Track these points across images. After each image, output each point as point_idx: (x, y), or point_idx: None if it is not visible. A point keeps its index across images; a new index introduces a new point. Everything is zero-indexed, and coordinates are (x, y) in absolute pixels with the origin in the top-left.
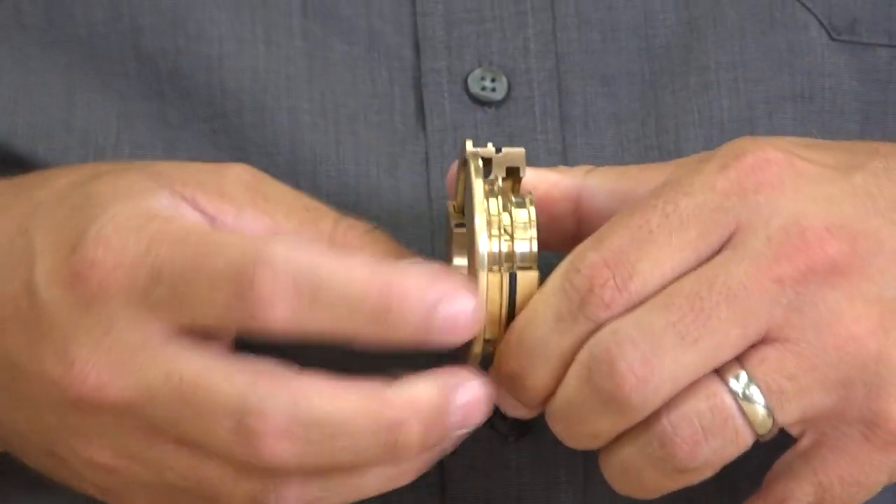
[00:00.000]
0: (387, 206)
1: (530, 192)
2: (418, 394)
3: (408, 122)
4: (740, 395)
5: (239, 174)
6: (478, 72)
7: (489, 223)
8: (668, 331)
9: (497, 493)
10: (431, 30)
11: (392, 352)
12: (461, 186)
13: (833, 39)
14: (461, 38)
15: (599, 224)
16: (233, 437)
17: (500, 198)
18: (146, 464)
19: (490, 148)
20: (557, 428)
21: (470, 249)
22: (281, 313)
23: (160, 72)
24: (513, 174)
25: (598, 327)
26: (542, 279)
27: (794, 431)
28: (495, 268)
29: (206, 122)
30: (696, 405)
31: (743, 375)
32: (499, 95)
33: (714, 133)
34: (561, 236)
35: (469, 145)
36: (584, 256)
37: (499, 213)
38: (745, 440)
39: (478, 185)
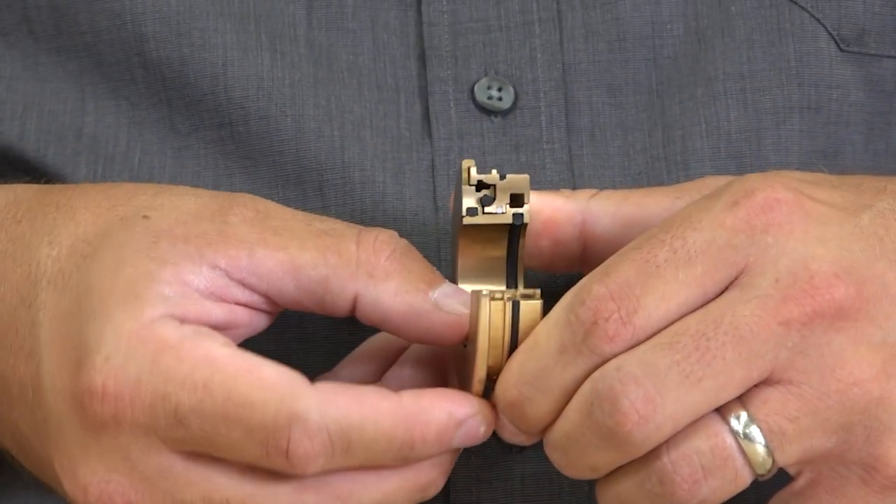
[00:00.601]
0: (392, 213)
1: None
2: (432, 410)
3: (413, 130)
4: (741, 435)
5: (241, 212)
6: (484, 81)
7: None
8: (672, 370)
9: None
10: (437, 39)
11: None
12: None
13: (842, 51)
14: (467, 47)
15: (604, 247)
16: None
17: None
18: None
19: (494, 174)
20: (555, 457)
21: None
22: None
23: (166, 80)
24: (516, 200)
25: (601, 360)
26: (546, 308)
27: (791, 471)
28: (498, 295)
29: (214, 130)
30: (697, 444)
31: (744, 415)
32: (505, 104)
33: (721, 144)
34: (565, 260)
35: (471, 172)
36: (590, 289)
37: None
38: (744, 480)
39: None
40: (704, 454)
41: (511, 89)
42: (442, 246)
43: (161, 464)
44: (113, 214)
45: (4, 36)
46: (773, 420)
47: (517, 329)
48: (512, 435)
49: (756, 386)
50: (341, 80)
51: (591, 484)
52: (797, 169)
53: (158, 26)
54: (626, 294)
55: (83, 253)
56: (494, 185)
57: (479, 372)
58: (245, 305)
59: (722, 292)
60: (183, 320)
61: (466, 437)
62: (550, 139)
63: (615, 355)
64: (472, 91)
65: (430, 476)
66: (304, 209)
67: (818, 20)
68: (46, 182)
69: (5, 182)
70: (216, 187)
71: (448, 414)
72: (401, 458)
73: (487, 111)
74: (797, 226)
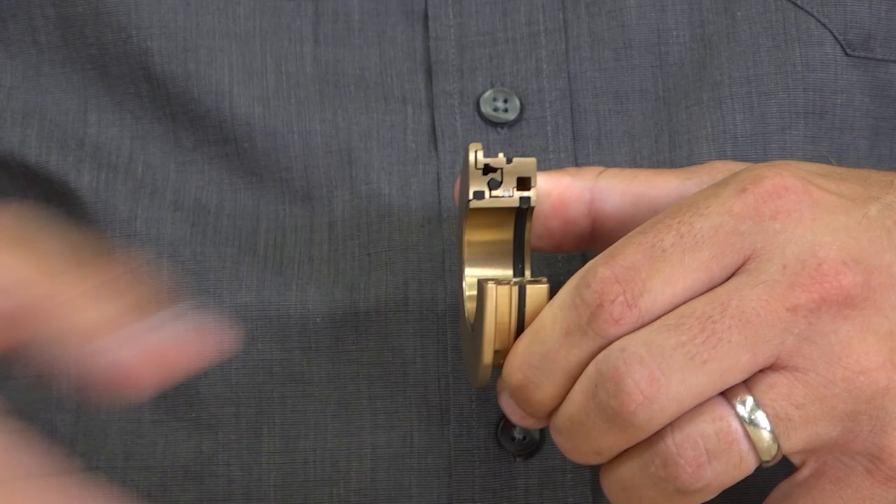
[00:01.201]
0: (398, 224)
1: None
2: None
3: (420, 142)
4: (746, 420)
5: None
6: (489, 93)
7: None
8: (677, 351)
9: None
10: (444, 54)
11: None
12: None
13: (847, 55)
14: (473, 60)
15: (612, 225)
16: None
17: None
18: None
19: (501, 158)
20: (560, 441)
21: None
22: None
23: (171, 95)
24: (523, 184)
25: (607, 343)
26: (553, 291)
27: (795, 460)
28: (504, 280)
29: (219, 146)
30: (702, 427)
31: (750, 400)
32: (511, 116)
33: (727, 148)
34: (575, 238)
35: (478, 155)
36: (596, 271)
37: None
38: (749, 465)
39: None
40: (709, 437)
41: (516, 100)
42: (447, 257)
43: None
44: None
45: (7, 45)
46: (779, 406)
47: (523, 313)
48: (519, 419)
49: (762, 371)
50: (348, 94)
51: (595, 494)
52: None
53: (164, 42)
54: (631, 277)
55: None
56: (501, 169)
57: (486, 357)
58: None
59: (729, 278)
60: None
61: None
62: (556, 148)
63: (620, 338)
64: (477, 103)
65: None
66: (312, 224)
67: (824, 25)
68: (48, 189)
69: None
70: (221, 202)
71: None
72: None
73: (493, 123)
74: (805, 213)
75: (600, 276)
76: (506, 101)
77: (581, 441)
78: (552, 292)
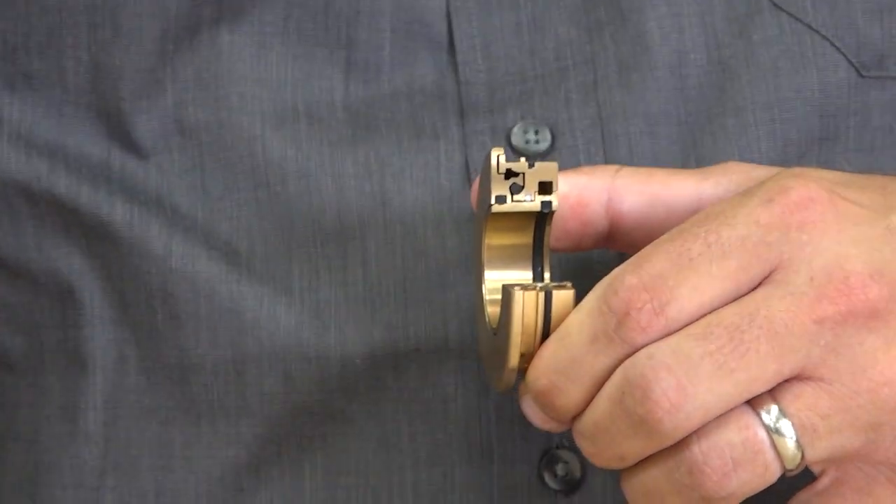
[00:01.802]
0: (435, 266)
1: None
2: None
3: (454, 179)
4: (772, 429)
5: None
6: (520, 125)
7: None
8: (705, 360)
9: None
10: (475, 97)
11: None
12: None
13: (862, 76)
14: (503, 99)
15: (630, 224)
16: None
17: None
18: None
19: (523, 162)
20: (584, 445)
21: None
22: None
23: (202, 143)
24: (545, 188)
25: (633, 350)
26: (579, 297)
27: (815, 469)
28: (531, 286)
29: (249, 192)
30: (729, 436)
31: (775, 409)
32: (543, 147)
33: None
34: (593, 238)
35: (500, 160)
36: (623, 279)
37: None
38: (773, 474)
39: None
40: (736, 446)
41: (548, 131)
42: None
43: None
44: None
45: (29, 79)
46: (804, 415)
47: (549, 318)
48: (543, 423)
49: (787, 381)
50: (380, 135)
51: None
52: None
53: (198, 92)
54: (659, 285)
55: None
56: (523, 174)
57: (512, 361)
58: None
59: (755, 288)
60: None
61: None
62: None
63: (647, 346)
64: (508, 137)
65: None
66: (346, 265)
67: (838, 48)
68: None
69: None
70: (252, 247)
71: None
72: None
73: (526, 155)
74: (831, 225)
75: (627, 284)
76: (537, 133)
77: (606, 446)
78: (579, 295)
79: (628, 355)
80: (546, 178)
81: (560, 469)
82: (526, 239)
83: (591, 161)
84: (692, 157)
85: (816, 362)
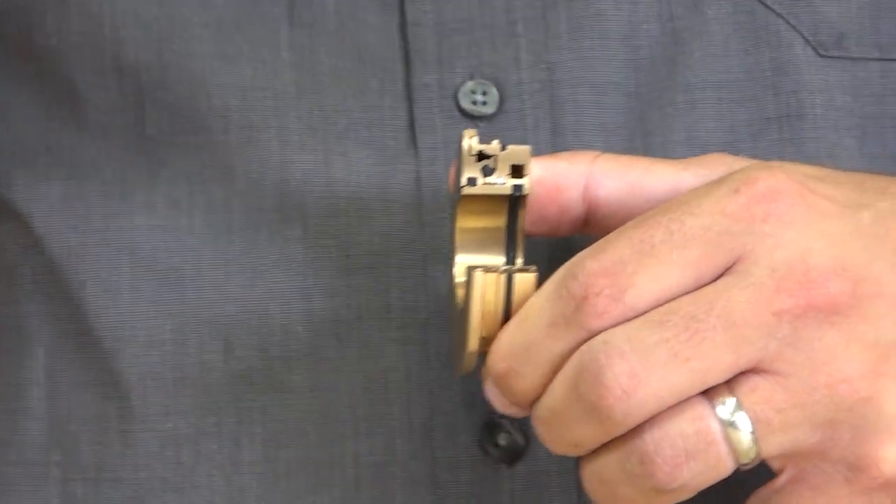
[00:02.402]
0: (378, 229)
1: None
2: None
3: (399, 139)
4: (727, 422)
5: None
6: (469, 85)
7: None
8: (659, 347)
9: None
10: (422, 41)
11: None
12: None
13: (820, 56)
14: (451, 49)
15: (607, 210)
16: None
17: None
18: None
19: (495, 145)
20: (541, 431)
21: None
22: None
23: (142, 84)
24: (517, 171)
25: (590, 336)
26: (541, 280)
27: (774, 465)
28: (493, 268)
29: (190, 136)
30: (682, 426)
31: (731, 402)
32: (490, 109)
33: (698, 154)
34: (570, 224)
35: (472, 142)
36: (584, 264)
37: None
38: (727, 467)
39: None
40: (688, 437)
41: (495, 92)
42: (428, 263)
43: None
44: None
45: None
46: (759, 408)
47: (510, 301)
48: (503, 407)
49: (744, 374)
50: (324, 86)
51: (582, 500)
52: None
53: (139, 31)
54: (619, 271)
55: None
56: (496, 156)
57: (471, 345)
58: None
59: (717, 278)
60: None
61: None
62: (536, 140)
63: (604, 331)
64: (455, 97)
65: None
66: (285, 218)
67: (793, 27)
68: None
69: None
70: (192, 196)
71: None
72: None
73: (472, 117)
74: (797, 218)
75: (587, 269)
76: (484, 94)
77: (561, 432)
78: (542, 278)
79: (585, 341)
80: (518, 162)
81: (502, 439)
82: (500, 223)
83: (537, 127)
84: (639, 130)
85: (774, 355)
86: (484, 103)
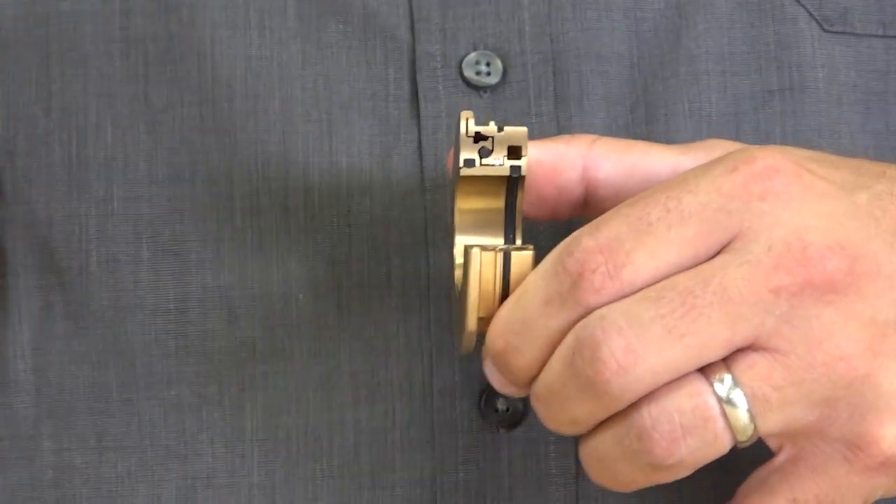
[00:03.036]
0: (380, 199)
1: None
2: None
3: (402, 108)
4: (724, 398)
5: None
6: (473, 55)
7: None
8: (655, 322)
9: (488, 485)
10: (427, 11)
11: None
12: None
13: (825, 31)
14: (456, 20)
15: (605, 192)
16: None
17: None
18: None
19: (492, 126)
20: (539, 409)
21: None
22: None
23: (148, 54)
24: (514, 152)
25: (587, 313)
26: (539, 259)
27: (772, 444)
28: (490, 247)
29: (194, 107)
30: (679, 402)
31: (728, 378)
32: (493, 80)
33: (703, 126)
34: (569, 206)
35: (469, 123)
36: (580, 241)
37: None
38: (724, 444)
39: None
40: (685, 413)
41: (499, 63)
42: (429, 229)
43: None
44: None
45: None
46: (756, 386)
47: (508, 280)
48: (502, 386)
49: (742, 351)
50: (330, 56)
51: (580, 465)
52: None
53: (147, 2)
54: (615, 248)
55: None
56: (493, 137)
57: (470, 324)
58: None
59: (713, 256)
60: None
61: None
62: (539, 112)
63: (601, 308)
64: (460, 67)
65: None
66: (287, 187)
67: (798, 1)
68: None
69: None
70: (194, 165)
71: None
72: None
73: (476, 87)
74: (794, 196)
75: (584, 246)
76: (488, 65)
77: (558, 409)
78: (539, 257)
79: (582, 317)
80: (515, 143)
81: (501, 403)
82: (498, 204)
83: (540, 98)
84: (642, 101)
85: (771, 332)
86: (488, 74)
